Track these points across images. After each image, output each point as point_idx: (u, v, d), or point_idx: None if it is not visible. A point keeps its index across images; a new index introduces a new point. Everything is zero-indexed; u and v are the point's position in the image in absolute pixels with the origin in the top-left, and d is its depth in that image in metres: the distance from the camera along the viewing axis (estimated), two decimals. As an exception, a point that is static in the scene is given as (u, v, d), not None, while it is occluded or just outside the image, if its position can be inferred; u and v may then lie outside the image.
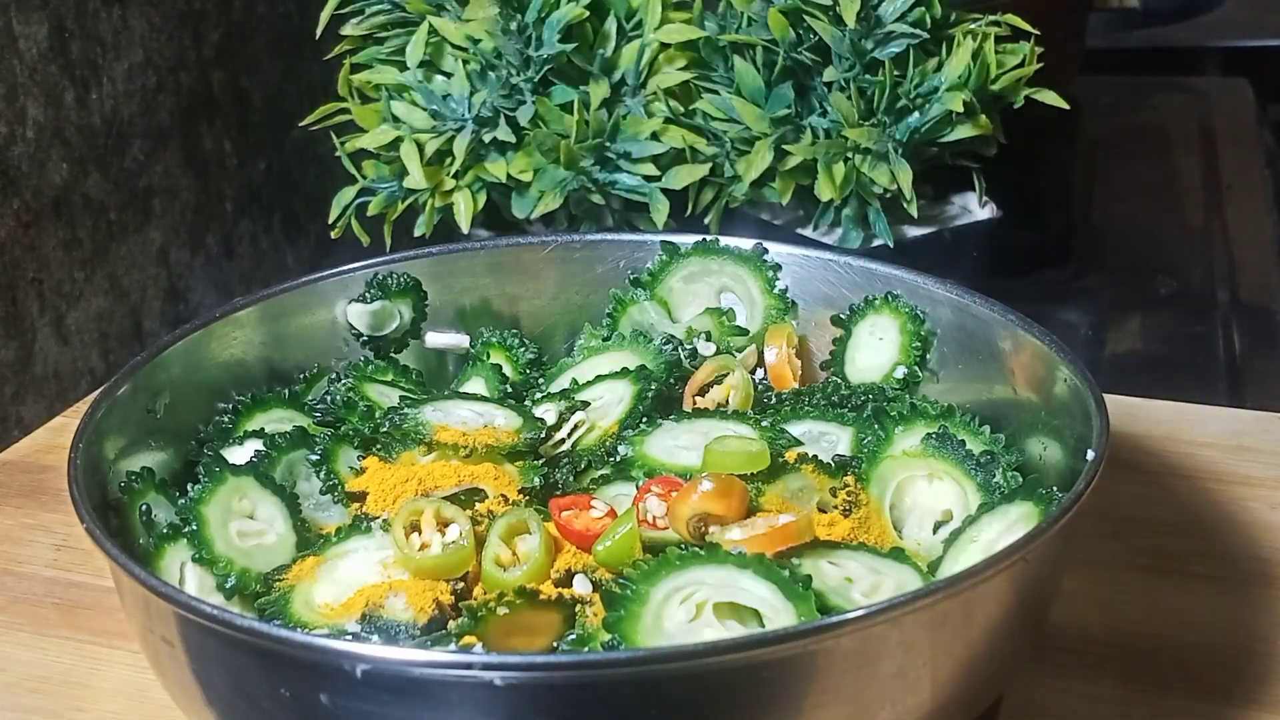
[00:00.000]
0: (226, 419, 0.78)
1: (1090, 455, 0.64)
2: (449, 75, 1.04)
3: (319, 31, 1.08)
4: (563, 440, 0.76)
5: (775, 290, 0.85)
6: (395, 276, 0.84)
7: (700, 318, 0.85)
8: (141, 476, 0.70)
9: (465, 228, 1.03)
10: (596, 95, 1.01)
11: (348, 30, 1.08)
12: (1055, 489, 0.66)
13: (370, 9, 1.07)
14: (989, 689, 0.64)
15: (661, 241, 0.87)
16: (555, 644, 0.61)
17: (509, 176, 1.02)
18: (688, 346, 0.82)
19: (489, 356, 0.85)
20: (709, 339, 0.83)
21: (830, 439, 0.76)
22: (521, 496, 0.71)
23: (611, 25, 1.02)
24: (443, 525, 0.66)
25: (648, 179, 1.01)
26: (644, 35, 1.02)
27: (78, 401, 1.06)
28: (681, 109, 1.02)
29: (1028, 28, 1.02)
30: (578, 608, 0.62)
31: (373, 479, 0.72)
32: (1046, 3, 1.09)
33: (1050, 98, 1.01)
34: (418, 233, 1.05)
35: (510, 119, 1.02)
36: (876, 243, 1.03)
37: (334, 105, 1.07)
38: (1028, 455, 0.73)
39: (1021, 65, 1.01)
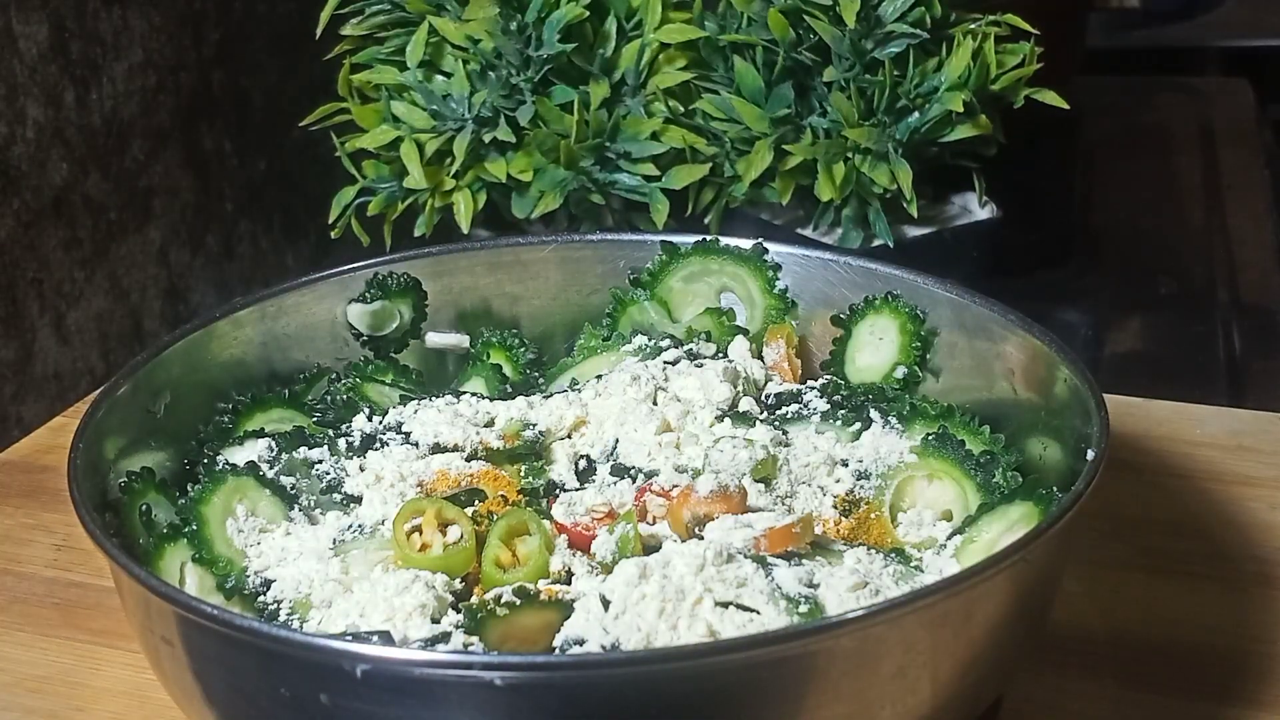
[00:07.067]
0: (226, 419, 0.78)
1: (1090, 455, 0.64)
2: (449, 75, 1.04)
3: (319, 31, 1.08)
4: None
5: (775, 290, 0.85)
6: (395, 276, 0.84)
7: (700, 318, 0.85)
8: (141, 476, 0.70)
9: (465, 228, 1.03)
10: (596, 95, 1.01)
11: (348, 30, 1.08)
12: (1055, 489, 0.66)
13: (370, 9, 1.07)
14: (989, 689, 0.64)
15: (661, 241, 0.87)
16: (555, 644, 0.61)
17: (509, 176, 1.02)
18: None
19: (489, 356, 0.85)
20: (709, 339, 0.83)
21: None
22: (521, 497, 0.71)
23: (611, 25, 1.02)
24: (443, 526, 0.66)
25: (648, 179, 1.01)
26: (644, 35, 1.02)
27: (78, 401, 1.06)
28: (681, 109, 1.02)
29: (1027, 28, 1.02)
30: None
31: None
32: (1046, 3, 1.08)
33: (1050, 98, 1.01)
34: (418, 233, 1.05)
35: (510, 119, 1.02)
36: (876, 243, 1.03)
37: (334, 105, 1.07)
38: (1028, 455, 0.73)
39: (1021, 65, 1.01)
